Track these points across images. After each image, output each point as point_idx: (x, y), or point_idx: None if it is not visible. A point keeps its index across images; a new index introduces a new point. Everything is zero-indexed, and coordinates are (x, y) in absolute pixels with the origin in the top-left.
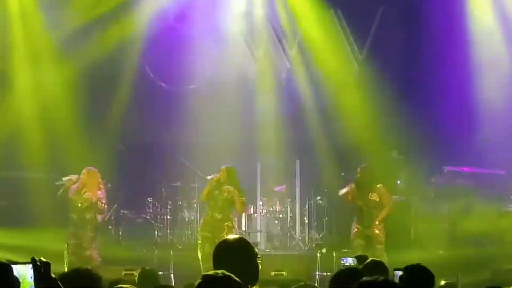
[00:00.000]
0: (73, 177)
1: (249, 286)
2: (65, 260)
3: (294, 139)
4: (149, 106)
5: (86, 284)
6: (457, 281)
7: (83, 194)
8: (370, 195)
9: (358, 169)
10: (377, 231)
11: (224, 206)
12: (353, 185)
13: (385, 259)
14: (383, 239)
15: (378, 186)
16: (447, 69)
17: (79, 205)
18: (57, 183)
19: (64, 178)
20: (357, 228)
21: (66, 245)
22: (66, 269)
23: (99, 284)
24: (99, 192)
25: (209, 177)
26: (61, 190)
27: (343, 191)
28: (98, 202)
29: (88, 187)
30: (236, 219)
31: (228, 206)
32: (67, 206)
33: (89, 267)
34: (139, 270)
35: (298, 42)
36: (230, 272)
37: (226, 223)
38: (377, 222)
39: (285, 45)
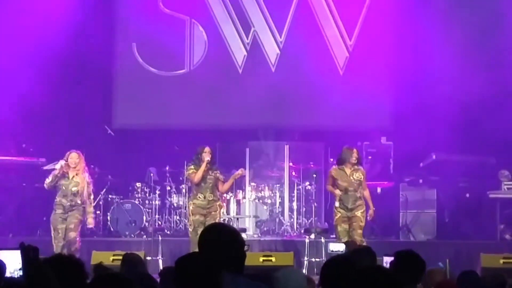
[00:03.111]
0: (62, 162)
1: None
2: (58, 245)
3: (283, 124)
4: (138, 90)
5: (68, 272)
6: (446, 267)
7: (72, 178)
8: (353, 175)
9: (343, 149)
10: (358, 214)
11: (213, 186)
12: (334, 167)
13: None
14: (363, 224)
15: (360, 167)
16: (438, 53)
17: (71, 189)
18: (45, 167)
19: (56, 166)
20: (340, 213)
21: (53, 230)
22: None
23: (82, 270)
24: (87, 175)
25: (208, 159)
26: (51, 179)
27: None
28: (88, 185)
29: (78, 170)
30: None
31: (215, 185)
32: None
33: (71, 253)
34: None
35: (287, 27)
36: (215, 259)
37: (218, 203)
38: (371, 209)
39: (274, 30)
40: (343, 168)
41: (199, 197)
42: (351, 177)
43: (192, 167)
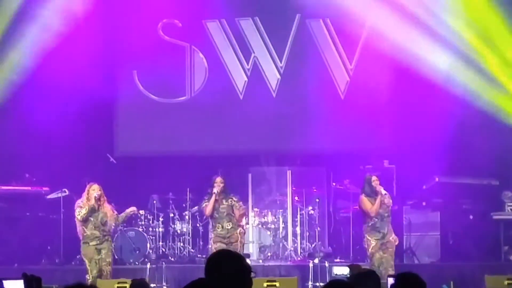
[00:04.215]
0: (83, 199)
1: None
2: (95, 275)
3: (284, 149)
4: (139, 117)
5: None
6: None
7: (99, 208)
8: (384, 200)
9: (369, 178)
10: (391, 238)
11: (228, 214)
12: (364, 196)
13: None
14: None
15: (383, 192)
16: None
17: (101, 220)
18: (49, 197)
19: (81, 203)
20: (375, 241)
21: (89, 262)
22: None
23: None
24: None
25: (215, 191)
26: (86, 210)
27: (372, 208)
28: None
29: (102, 201)
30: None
31: (231, 213)
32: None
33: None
34: (131, 282)
35: (287, 52)
36: (222, 286)
37: (238, 230)
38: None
39: (274, 56)
40: (373, 196)
41: (218, 227)
42: (385, 203)
43: (206, 199)
